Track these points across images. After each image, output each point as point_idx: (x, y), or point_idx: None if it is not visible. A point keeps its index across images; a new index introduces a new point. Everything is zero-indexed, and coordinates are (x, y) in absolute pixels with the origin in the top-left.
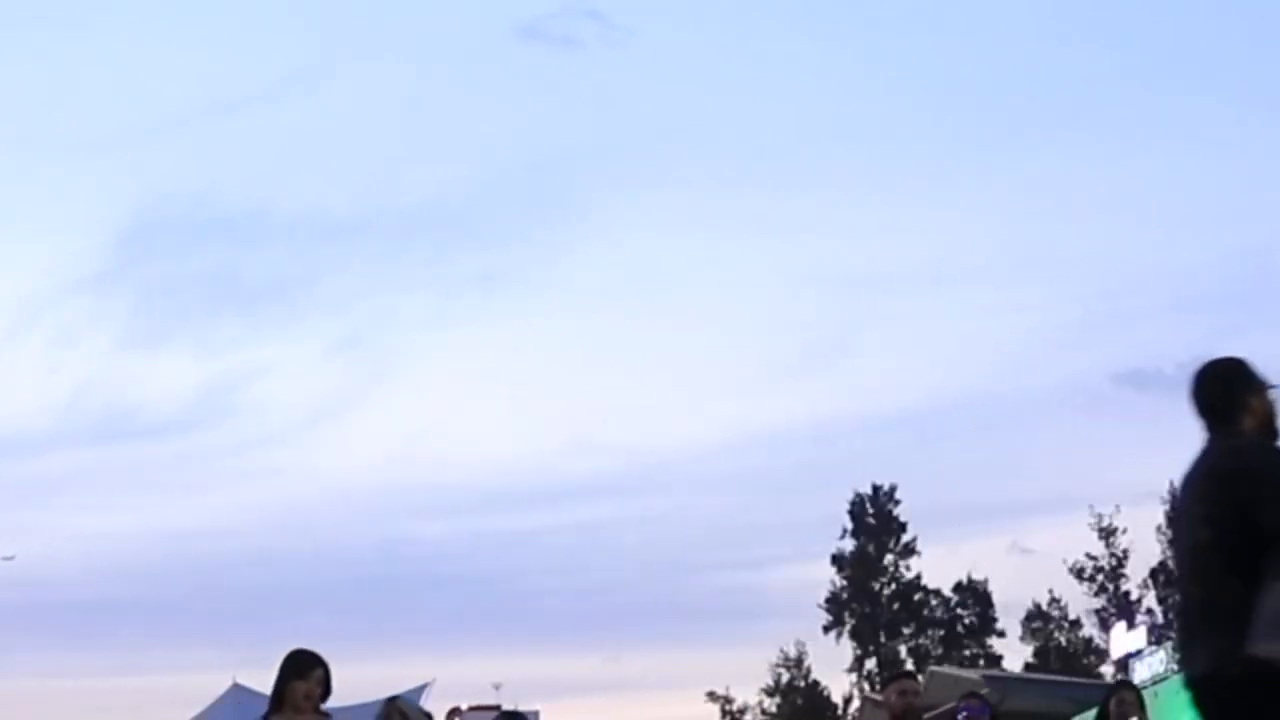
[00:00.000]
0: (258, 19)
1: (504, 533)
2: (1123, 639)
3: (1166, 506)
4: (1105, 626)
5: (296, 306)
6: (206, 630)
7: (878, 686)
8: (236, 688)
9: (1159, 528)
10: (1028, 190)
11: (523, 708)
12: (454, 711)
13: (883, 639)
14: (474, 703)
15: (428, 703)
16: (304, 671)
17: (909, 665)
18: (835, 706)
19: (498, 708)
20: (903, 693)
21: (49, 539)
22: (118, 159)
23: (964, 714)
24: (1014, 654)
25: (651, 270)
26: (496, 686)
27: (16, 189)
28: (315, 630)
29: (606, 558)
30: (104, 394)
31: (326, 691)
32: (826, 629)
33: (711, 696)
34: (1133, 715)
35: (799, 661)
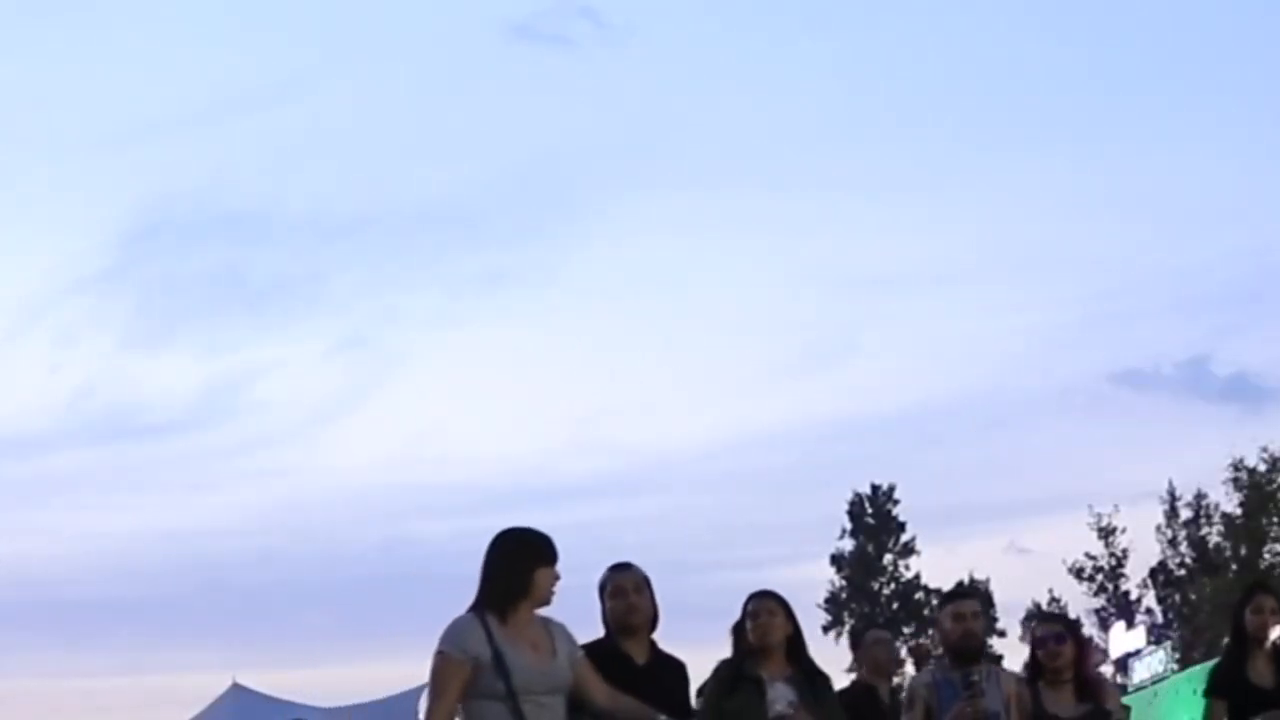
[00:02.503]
0: (259, 19)
1: None
2: (1122, 639)
3: (1165, 506)
4: (1105, 626)
5: (299, 306)
6: (206, 630)
7: None
8: (236, 688)
9: (1158, 528)
10: (1028, 190)
11: None
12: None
13: None
14: None
15: (425, 704)
16: (554, 559)
17: (909, 666)
18: None
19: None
20: (959, 616)
21: (50, 539)
22: (119, 158)
23: (1049, 644)
24: (1014, 654)
25: (652, 270)
26: None
27: (17, 189)
28: (315, 630)
29: (606, 558)
30: (106, 394)
31: None
32: (826, 629)
33: None
34: (1276, 625)
35: None
